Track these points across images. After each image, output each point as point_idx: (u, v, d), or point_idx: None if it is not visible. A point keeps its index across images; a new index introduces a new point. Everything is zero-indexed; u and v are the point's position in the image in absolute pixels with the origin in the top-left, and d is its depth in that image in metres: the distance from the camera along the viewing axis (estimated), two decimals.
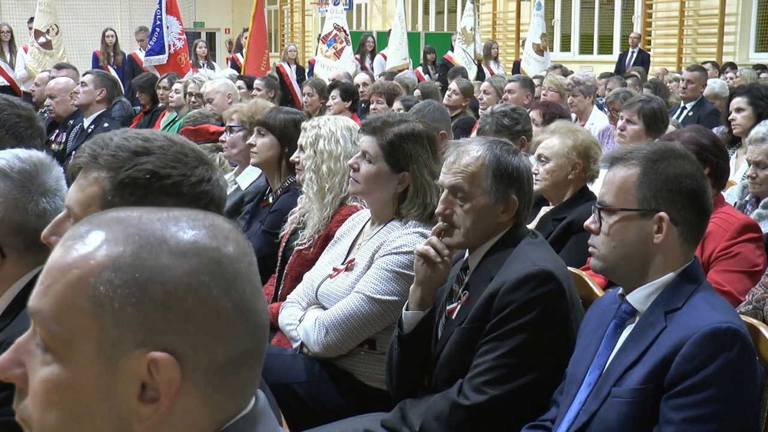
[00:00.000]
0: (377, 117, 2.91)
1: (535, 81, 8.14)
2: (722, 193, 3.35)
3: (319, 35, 12.95)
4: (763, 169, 3.68)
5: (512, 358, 2.21)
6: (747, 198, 3.86)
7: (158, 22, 10.73)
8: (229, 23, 24.46)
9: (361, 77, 8.87)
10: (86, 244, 0.90)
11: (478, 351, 2.27)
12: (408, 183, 2.80)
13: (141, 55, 11.35)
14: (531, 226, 3.16)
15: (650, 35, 15.40)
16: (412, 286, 2.46)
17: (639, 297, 2.00)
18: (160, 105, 8.09)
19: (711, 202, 2.05)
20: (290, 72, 12.85)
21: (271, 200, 3.82)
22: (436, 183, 2.58)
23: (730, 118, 5.33)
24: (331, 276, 2.87)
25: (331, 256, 3.00)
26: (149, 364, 0.88)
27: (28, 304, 0.92)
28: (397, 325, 2.49)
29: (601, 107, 7.24)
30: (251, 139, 3.85)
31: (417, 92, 7.44)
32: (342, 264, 2.89)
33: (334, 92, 7.07)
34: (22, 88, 10.60)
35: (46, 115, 6.48)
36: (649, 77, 10.54)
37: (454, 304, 2.42)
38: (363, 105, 7.88)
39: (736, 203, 3.86)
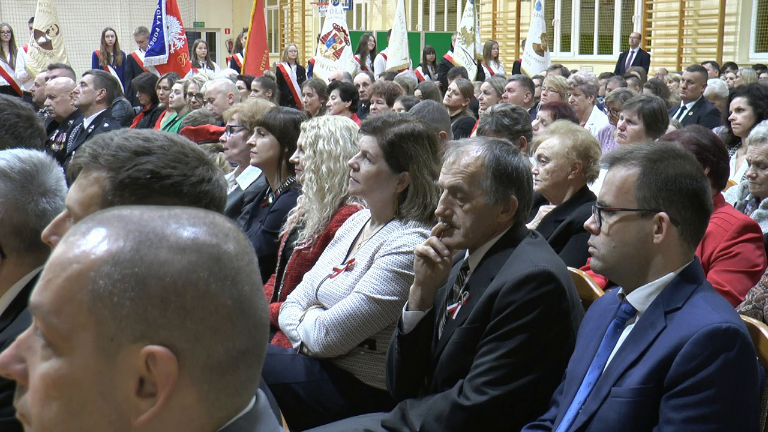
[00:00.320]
0: (377, 117, 2.91)
1: (535, 81, 8.14)
2: (722, 193, 3.35)
3: (319, 35, 12.94)
4: (763, 169, 3.68)
5: (513, 358, 2.21)
6: (747, 198, 3.86)
7: (158, 22, 10.73)
8: (229, 23, 24.47)
9: (361, 77, 8.87)
10: (87, 240, 0.91)
11: (479, 351, 2.27)
12: (408, 183, 2.80)
13: (141, 55, 11.35)
14: (531, 225, 3.16)
15: (650, 35, 15.41)
16: (412, 286, 2.46)
17: (639, 297, 2.00)
18: (160, 105, 8.10)
19: (711, 202, 2.05)
20: (290, 72, 12.85)
21: (271, 200, 3.82)
22: (436, 183, 2.58)
23: (730, 118, 5.33)
24: (331, 276, 2.88)
25: (331, 256, 3.00)
26: (147, 358, 0.88)
27: (30, 300, 0.93)
28: (397, 325, 2.49)
29: (601, 107, 7.24)
30: (251, 139, 3.85)
31: (417, 92, 7.44)
32: (342, 264, 2.89)
33: (334, 92, 7.07)
34: (22, 88, 10.60)
35: (46, 115, 6.48)
36: (649, 77, 10.54)
37: (455, 305, 2.42)
38: (363, 105, 7.88)
39: (736, 203, 3.86)
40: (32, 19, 11.46)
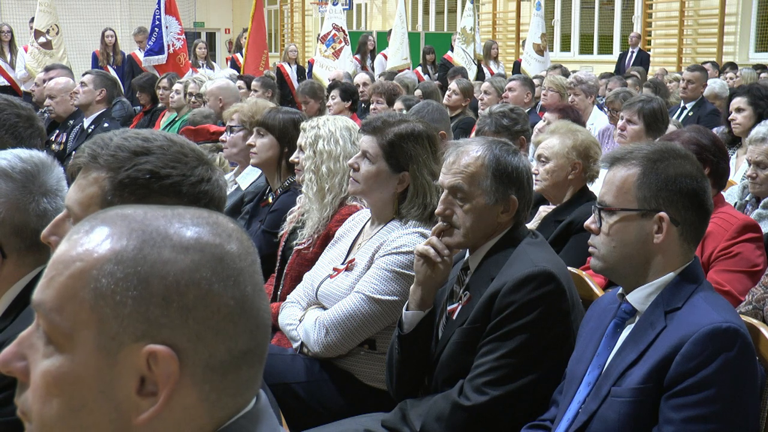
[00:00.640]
0: (377, 117, 2.91)
1: (535, 81, 8.14)
2: (722, 193, 3.35)
3: (319, 35, 12.95)
4: (763, 169, 3.68)
5: (513, 358, 2.21)
6: (747, 198, 3.86)
7: (157, 22, 10.74)
8: (229, 23, 24.47)
9: (361, 77, 8.86)
10: (90, 239, 0.92)
11: (479, 351, 2.27)
12: (408, 183, 2.80)
13: (140, 55, 11.35)
14: (531, 225, 3.16)
15: (650, 35, 15.41)
16: (412, 286, 2.46)
17: (639, 297, 2.00)
18: (159, 105, 8.10)
19: (711, 202, 2.05)
20: (291, 72, 12.85)
21: (270, 200, 3.82)
22: (436, 183, 2.58)
23: (730, 118, 5.33)
24: (331, 276, 2.87)
25: (331, 256, 3.00)
26: (148, 357, 0.89)
27: (32, 297, 0.93)
28: (398, 325, 2.49)
29: (601, 107, 7.24)
30: (251, 140, 3.85)
31: (417, 92, 7.43)
32: (342, 264, 2.89)
33: (334, 92, 7.05)
34: (23, 88, 10.60)
35: (46, 115, 6.48)
36: (649, 77, 10.54)
37: (455, 305, 2.41)
38: (363, 105, 7.87)
39: (736, 203, 3.86)
40: (33, 19, 11.46)
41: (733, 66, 11.56)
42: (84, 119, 6.28)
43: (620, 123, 4.79)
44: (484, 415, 2.22)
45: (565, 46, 17.14)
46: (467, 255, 2.48)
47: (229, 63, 14.82)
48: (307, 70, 13.49)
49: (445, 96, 7.35)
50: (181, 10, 11.48)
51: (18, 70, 11.07)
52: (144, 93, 8.33)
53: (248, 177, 4.35)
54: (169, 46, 10.71)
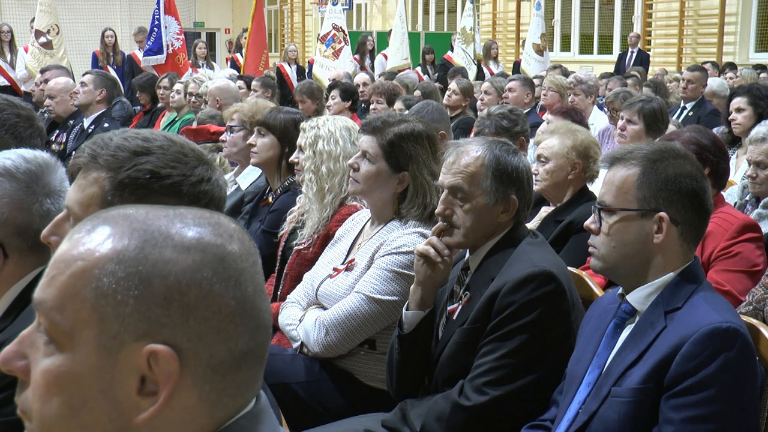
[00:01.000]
0: (377, 117, 2.91)
1: (535, 81, 8.14)
2: (722, 193, 3.35)
3: (319, 35, 12.95)
4: (763, 169, 3.68)
5: (513, 358, 2.21)
6: (747, 198, 3.86)
7: (156, 22, 10.74)
8: (229, 23, 24.47)
9: (361, 77, 8.86)
10: (92, 238, 0.92)
11: (479, 351, 2.27)
12: (408, 183, 2.80)
13: (140, 55, 11.36)
14: (531, 225, 3.16)
15: (650, 35, 15.41)
16: (412, 286, 2.46)
17: (639, 297, 2.00)
18: (159, 105, 8.10)
19: (711, 202, 2.05)
20: (291, 72, 12.85)
21: (270, 200, 3.82)
22: (436, 183, 2.58)
23: (730, 118, 5.33)
24: (331, 276, 2.87)
25: (331, 256, 3.00)
26: (149, 356, 0.89)
27: (33, 296, 0.93)
28: (398, 325, 2.49)
29: (601, 107, 7.24)
30: (251, 139, 3.85)
31: (417, 92, 7.43)
32: (342, 264, 2.89)
33: (334, 92, 7.05)
34: (23, 88, 10.60)
35: (46, 115, 6.48)
36: (649, 77, 10.54)
37: (455, 305, 2.41)
38: (363, 105, 7.87)
39: (736, 203, 3.86)
40: (33, 19, 11.47)
41: (732, 66, 11.56)
42: (84, 119, 6.28)
43: (620, 123, 4.79)
44: (484, 415, 2.22)
45: (565, 46, 17.14)
46: (467, 255, 2.48)
47: (229, 63, 14.82)
48: (306, 70, 13.49)
49: (445, 96, 7.35)
50: (181, 10, 11.48)
51: (18, 70, 11.08)
52: (144, 93, 8.33)
53: (248, 177, 4.35)
54: (168, 46, 10.71)
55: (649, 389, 1.87)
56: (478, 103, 7.38)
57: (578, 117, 4.98)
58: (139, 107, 8.59)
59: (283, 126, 3.76)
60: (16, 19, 16.95)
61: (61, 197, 1.84)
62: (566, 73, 9.41)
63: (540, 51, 13.05)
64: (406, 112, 5.40)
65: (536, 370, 2.22)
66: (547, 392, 2.22)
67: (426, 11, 20.00)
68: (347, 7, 18.38)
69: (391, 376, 2.53)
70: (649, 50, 14.93)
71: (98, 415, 0.90)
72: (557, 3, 17.05)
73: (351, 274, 2.81)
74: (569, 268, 2.50)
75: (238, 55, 13.77)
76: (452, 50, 13.42)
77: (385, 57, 13.91)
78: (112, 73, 10.18)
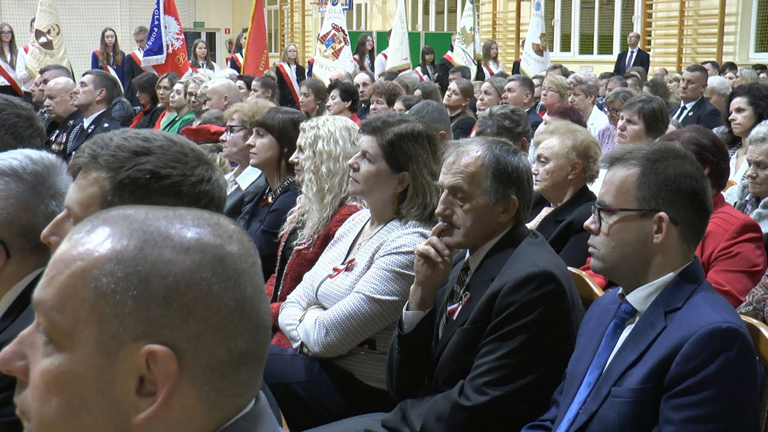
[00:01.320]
0: (377, 117, 2.91)
1: (535, 81, 8.13)
2: (722, 193, 3.35)
3: (319, 35, 12.95)
4: (764, 169, 3.68)
5: (513, 358, 2.21)
6: (747, 198, 3.86)
7: (156, 22, 10.74)
8: (229, 23, 24.47)
9: (361, 77, 8.87)
10: (92, 238, 0.92)
11: (480, 351, 2.27)
12: (408, 183, 2.80)
13: (140, 55, 11.36)
14: (532, 225, 3.16)
15: (650, 35, 15.41)
16: (412, 286, 2.46)
17: (639, 297, 1.99)
18: (159, 105, 8.10)
19: (711, 202, 2.05)
20: (290, 72, 12.85)
21: (270, 200, 3.82)
22: (436, 183, 2.57)
23: (730, 118, 5.33)
24: (331, 276, 2.87)
25: (331, 256, 3.00)
26: (147, 356, 0.89)
27: (33, 296, 0.93)
28: (398, 325, 2.49)
29: (601, 107, 7.24)
30: (250, 140, 3.84)
31: (418, 92, 7.44)
32: (342, 264, 2.89)
33: (334, 92, 7.06)
34: (23, 88, 10.60)
35: (46, 115, 6.48)
36: (649, 77, 10.54)
37: (455, 305, 2.41)
38: (363, 105, 7.87)
39: (736, 203, 3.86)
40: (34, 19, 11.47)
41: (732, 66, 11.56)
42: (84, 119, 6.28)
43: (620, 123, 4.79)
44: (484, 415, 2.22)
45: (565, 46, 17.14)
46: (467, 255, 2.48)
47: (229, 63, 14.82)
48: (306, 70, 13.49)
49: (445, 96, 7.35)
50: (181, 10, 11.47)
51: (18, 70, 11.08)
52: (144, 93, 8.33)
53: (248, 177, 4.35)
54: (168, 46, 10.71)
55: (649, 389, 1.87)
56: (478, 103, 7.38)
57: (576, 116, 4.98)
58: (139, 107, 8.59)
59: (281, 126, 3.76)
60: (16, 19, 16.95)
61: (65, 199, 1.84)
62: (566, 73, 9.41)
63: (539, 51, 13.04)
64: (407, 112, 5.40)
65: (536, 370, 2.22)
66: (547, 392, 2.22)
67: (426, 11, 20.00)
68: (347, 7, 18.38)
69: (391, 376, 2.53)
70: (649, 50, 14.93)
71: (97, 415, 0.90)
72: (557, 3, 17.05)
73: (351, 274, 2.81)
74: (569, 268, 2.50)
75: (238, 55, 13.77)
76: (452, 50, 13.42)
77: (385, 57, 13.91)
78: (112, 73, 10.18)
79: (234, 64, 13.40)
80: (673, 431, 1.82)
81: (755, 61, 12.70)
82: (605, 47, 16.43)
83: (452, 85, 7.40)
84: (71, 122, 6.28)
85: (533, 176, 2.61)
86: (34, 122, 2.99)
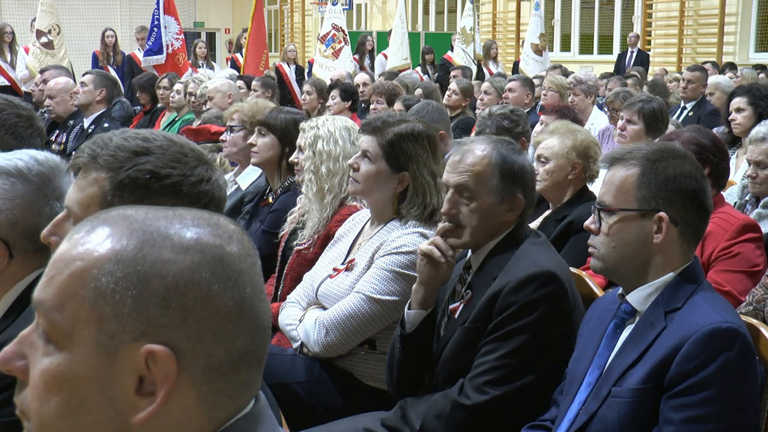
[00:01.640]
0: (377, 117, 2.91)
1: (535, 81, 8.13)
2: (722, 193, 3.35)
3: (319, 35, 12.95)
4: (763, 169, 3.68)
5: (514, 358, 2.21)
6: (747, 198, 3.86)
7: (156, 22, 10.74)
8: (229, 23, 24.47)
9: (361, 77, 8.87)
10: (91, 238, 0.92)
11: (480, 350, 2.27)
12: (408, 183, 2.80)
13: (140, 55, 11.36)
14: (533, 226, 3.16)
15: (650, 35, 15.41)
16: (414, 286, 2.46)
17: (639, 297, 1.99)
18: (159, 105, 8.10)
19: (711, 202, 2.05)
20: (289, 72, 12.85)
21: (271, 200, 3.82)
22: (440, 182, 2.57)
23: (730, 118, 5.33)
24: (331, 276, 2.87)
25: (331, 256, 3.00)
26: (146, 356, 0.89)
27: (33, 296, 0.93)
28: (399, 324, 2.49)
29: (601, 107, 7.24)
30: (252, 139, 3.85)
31: (418, 91, 7.44)
32: (342, 264, 2.89)
33: (334, 92, 7.06)
34: (23, 89, 10.60)
35: (46, 115, 6.48)
36: (649, 77, 10.53)
37: (457, 304, 2.41)
38: (363, 105, 7.88)
39: (736, 203, 3.86)
40: (34, 19, 11.47)
41: (732, 66, 11.56)
42: (84, 119, 6.28)
43: (620, 123, 4.79)
44: (484, 414, 2.22)
45: (565, 46, 17.14)
46: (469, 254, 2.48)
47: (229, 63, 14.82)
48: (306, 70, 13.48)
49: (445, 96, 7.35)
50: (181, 10, 11.47)
51: (19, 70, 11.07)
52: (144, 93, 8.33)
53: (248, 177, 4.35)
54: (167, 46, 10.71)
55: (649, 389, 1.87)
56: (478, 103, 7.38)
57: (572, 114, 4.99)
58: (139, 107, 8.59)
59: (283, 126, 3.76)
60: (17, 19, 16.94)
61: None
62: (566, 73, 9.41)
63: (539, 51, 13.04)
64: (407, 112, 5.40)
65: (537, 370, 2.22)
66: (548, 392, 2.22)
67: (426, 11, 20.00)
68: (347, 7, 18.38)
69: (392, 375, 2.53)
70: (649, 50, 14.93)
71: (96, 414, 0.90)
72: (557, 3, 17.05)
73: (351, 274, 2.81)
74: (569, 268, 2.50)
75: (238, 55, 13.76)
76: (452, 50, 13.42)
77: (385, 57, 13.91)
78: (113, 73, 10.18)
79: (234, 64, 13.40)
80: (673, 431, 1.82)
81: (755, 61, 12.71)
82: (605, 47, 16.44)
83: (452, 85, 7.41)
84: (71, 122, 6.28)
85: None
86: (34, 122, 2.99)
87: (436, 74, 13.35)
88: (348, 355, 2.76)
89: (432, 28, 19.58)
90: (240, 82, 8.04)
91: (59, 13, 11.24)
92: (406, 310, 2.48)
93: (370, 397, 2.73)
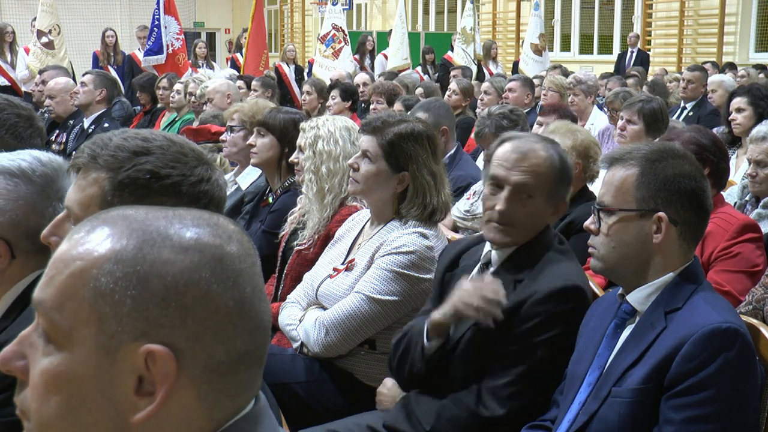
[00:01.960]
0: (377, 117, 2.91)
1: (535, 81, 8.13)
2: (722, 193, 3.35)
3: (318, 35, 12.95)
4: (763, 168, 3.68)
5: (537, 371, 2.19)
6: (747, 198, 3.86)
7: (156, 22, 10.74)
8: (229, 23, 24.47)
9: (361, 77, 8.87)
10: (91, 238, 0.92)
11: (502, 359, 2.24)
12: (408, 183, 2.80)
13: (140, 55, 11.36)
14: None
15: (650, 35, 15.41)
16: (443, 315, 2.27)
17: (639, 297, 1.99)
18: (159, 105, 8.10)
19: (710, 202, 2.05)
20: (289, 72, 12.85)
21: (271, 200, 3.82)
22: (494, 175, 2.38)
23: (730, 118, 5.33)
24: (331, 276, 2.87)
25: (331, 256, 3.00)
26: (146, 356, 0.89)
27: (33, 296, 0.93)
28: (425, 337, 2.35)
29: (601, 107, 7.24)
30: (251, 140, 3.84)
31: (419, 91, 7.44)
32: (342, 264, 2.89)
33: (334, 92, 7.06)
34: (23, 89, 10.60)
35: (46, 115, 6.48)
36: (649, 77, 10.53)
37: None
38: (363, 105, 7.88)
39: (736, 203, 3.86)
40: (35, 19, 11.47)
41: (732, 66, 11.55)
42: (84, 119, 6.28)
43: (620, 123, 4.79)
44: (502, 425, 2.21)
45: (565, 46, 17.14)
46: (487, 247, 2.43)
47: (229, 63, 14.82)
48: (306, 70, 13.48)
49: (445, 96, 7.35)
50: (181, 10, 11.47)
51: (19, 70, 11.07)
52: (144, 93, 8.33)
53: (248, 177, 4.35)
54: (168, 46, 10.71)
55: (649, 389, 1.87)
56: (478, 103, 7.38)
57: (567, 113, 4.99)
58: (139, 107, 8.59)
59: (282, 126, 3.76)
60: (17, 19, 16.93)
61: None
62: (566, 73, 9.41)
63: (538, 51, 13.04)
64: (408, 113, 5.40)
65: (556, 382, 2.20)
66: (548, 392, 2.21)
67: (426, 11, 20.00)
68: (347, 7, 18.38)
69: (401, 369, 2.44)
70: (649, 50, 14.93)
71: (96, 414, 0.90)
72: (557, 3, 17.05)
73: (351, 274, 2.81)
74: None
75: (238, 55, 13.76)
76: (452, 50, 13.42)
77: (385, 57, 13.91)
78: (113, 73, 10.18)
79: (234, 64, 13.40)
80: (673, 431, 1.82)
81: (755, 61, 12.70)
82: (605, 47, 16.43)
83: (452, 85, 7.41)
84: (71, 122, 6.28)
85: None
86: (34, 122, 2.99)
87: (437, 74, 13.35)
88: (348, 355, 2.76)
89: (432, 28, 19.58)
90: (240, 82, 8.04)
91: (59, 13, 11.24)
92: (425, 330, 2.33)
93: (370, 397, 2.73)
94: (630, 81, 9.25)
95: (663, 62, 14.20)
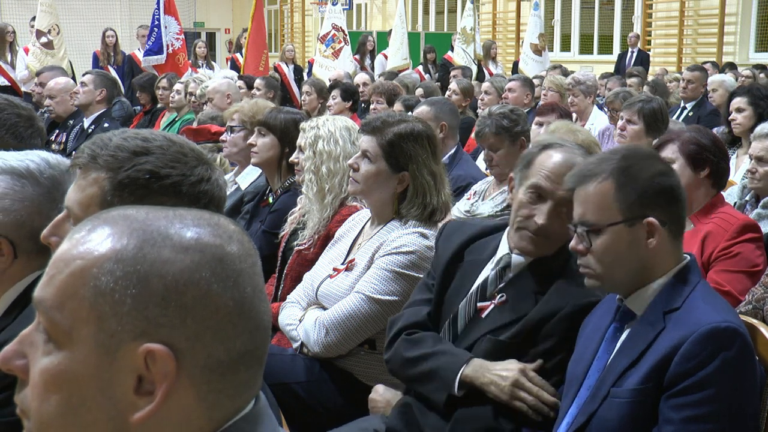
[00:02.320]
0: (377, 117, 2.91)
1: (535, 81, 8.13)
2: (722, 193, 3.34)
3: (318, 35, 12.95)
4: (764, 165, 3.68)
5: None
6: (747, 198, 3.86)
7: (156, 22, 10.74)
8: (229, 23, 24.47)
9: (361, 77, 8.87)
10: (91, 238, 0.92)
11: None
12: (408, 183, 2.80)
13: (140, 54, 11.36)
14: None
15: (650, 35, 15.41)
16: (486, 386, 2.20)
17: (637, 300, 1.99)
18: (159, 105, 8.10)
19: (685, 192, 2.03)
20: (288, 72, 12.85)
21: (271, 200, 3.82)
22: (538, 185, 2.28)
23: (730, 118, 5.33)
24: (331, 276, 2.87)
25: (331, 256, 3.00)
26: (146, 356, 0.89)
27: (33, 295, 0.94)
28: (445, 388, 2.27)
29: (601, 107, 7.24)
30: (252, 139, 3.85)
31: (419, 91, 7.44)
32: (342, 264, 2.89)
33: (335, 92, 7.06)
34: (23, 89, 10.60)
35: (46, 115, 6.47)
36: (649, 77, 10.53)
37: (487, 303, 2.31)
38: (363, 105, 7.88)
39: (736, 203, 3.86)
40: (33, 19, 11.47)
41: (732, 66, 11.56)
42: (84, 119, 6.27)
43: (620, 123, 4.79)
44: None
45: (565, 46, 17.15)
46: (503, 249, 2.36)
47: (229, 63, 14.82)
48: (306, 70, 13.48)
49: (445, 96, 7.35)
50: (181, 10, 11.47)
51: (18, 71, 11.07)
52: (144, 93, 8.33)
53: (248, 177, 4.35)
54: (168, 46, 10.71)
55: (648, 390, 1.86)
56: (479, 102, 7.38)
57: (564, 112, 4.98)
58: (139, 107, 8.59)
59: (283, 126, 3.76)
60: (17, 19, 16.93)
61: None
62: (566, 73, 9.41)
63: (538, 51, 13.05)
64: (409, 113, 5.40)
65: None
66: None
67: (426, 11, 20.00)
68: (347, 7, 18.38)
69: (412, 381, 2.38)
70: (649, 50, 14.93)
71: (96, 413, 0.90)
72: (557, 3, 17.05)
73: (351, 274, 2.81)
74: None
75: (238, 55, 13.76)
76: (452, 50, 13.43)
77: (385, 57, 13.91)
78: (113, 73, 10.18)
79: (234, 64, 13.40)
80: (673, 431, 1.82)
81: (755, 61, 12.71)
82: (605, 47, 16.44)
83: (452, 85, 7.41)
84: (71, 122, 6.28)
85: None
86: (35, 122, 2.99)
87: (437, 74, 13.35)
88: (348, 355, 2.76)
89: (432, 28, 19.58)
90: (240, 82, 8.04)
91: (59, 13, 11.24)
92: (460, 377, 2.22)
93: None
94: (632, 80, 9.24)
95: (663, 62, 14.20)
